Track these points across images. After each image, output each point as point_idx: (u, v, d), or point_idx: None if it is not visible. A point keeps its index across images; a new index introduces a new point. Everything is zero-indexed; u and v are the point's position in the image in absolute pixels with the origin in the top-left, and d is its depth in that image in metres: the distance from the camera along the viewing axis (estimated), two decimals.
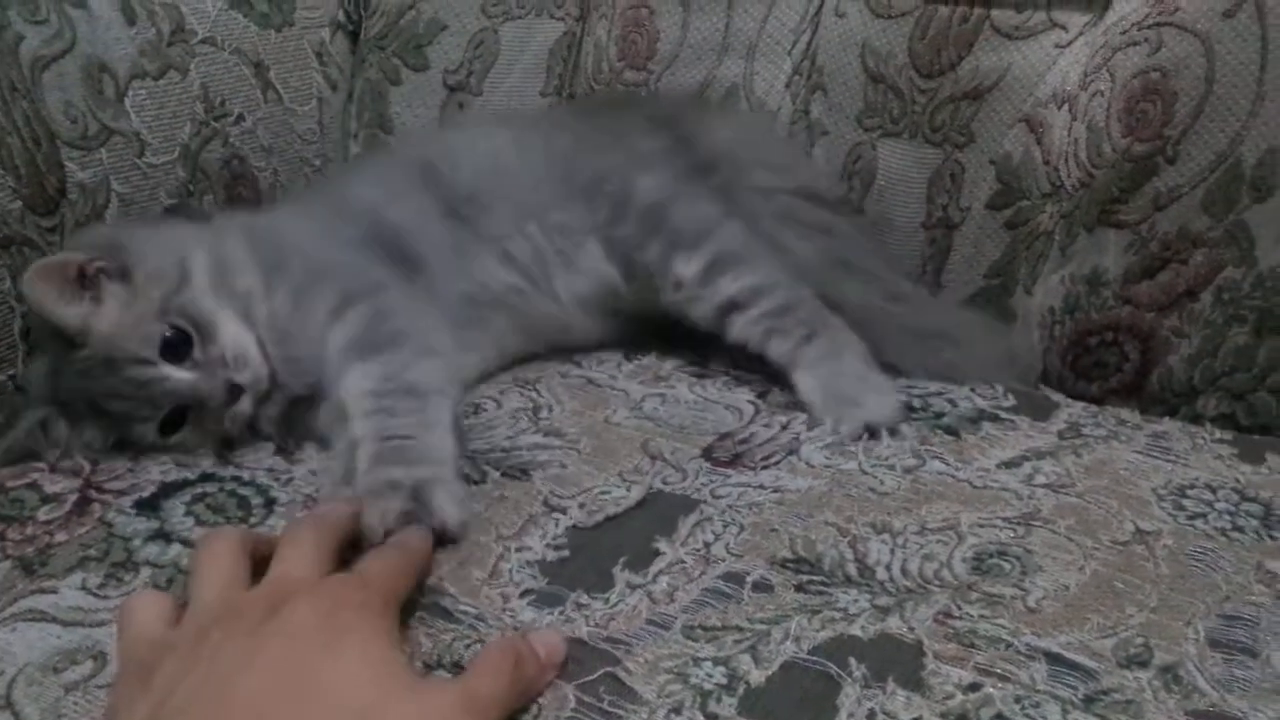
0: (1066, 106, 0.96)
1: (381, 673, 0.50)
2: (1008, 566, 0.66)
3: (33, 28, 0.87)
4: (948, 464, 0.78)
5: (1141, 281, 0.93)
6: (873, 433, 0.81)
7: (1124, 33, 0.93)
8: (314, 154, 1.13)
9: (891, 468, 0.77)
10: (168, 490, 0.71)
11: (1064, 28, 0.97)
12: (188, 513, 0.69)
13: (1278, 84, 0.90)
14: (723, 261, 0.91)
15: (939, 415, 0.86)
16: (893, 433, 0.82)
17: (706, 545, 0.66)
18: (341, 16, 1.17)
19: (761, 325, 0.89)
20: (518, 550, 0.65)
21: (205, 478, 0.73)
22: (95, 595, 0.62)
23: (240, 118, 1.03)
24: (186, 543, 0.66)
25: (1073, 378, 0.97)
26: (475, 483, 0.72)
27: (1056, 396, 0.93)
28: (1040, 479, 0.77)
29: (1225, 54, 0.91)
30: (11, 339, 0.85)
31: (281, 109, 1.08)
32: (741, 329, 0.90)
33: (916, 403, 0.88)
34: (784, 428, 0.83)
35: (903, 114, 1.02)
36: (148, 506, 0.69)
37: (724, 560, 0.65)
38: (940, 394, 0.91)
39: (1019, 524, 0.70)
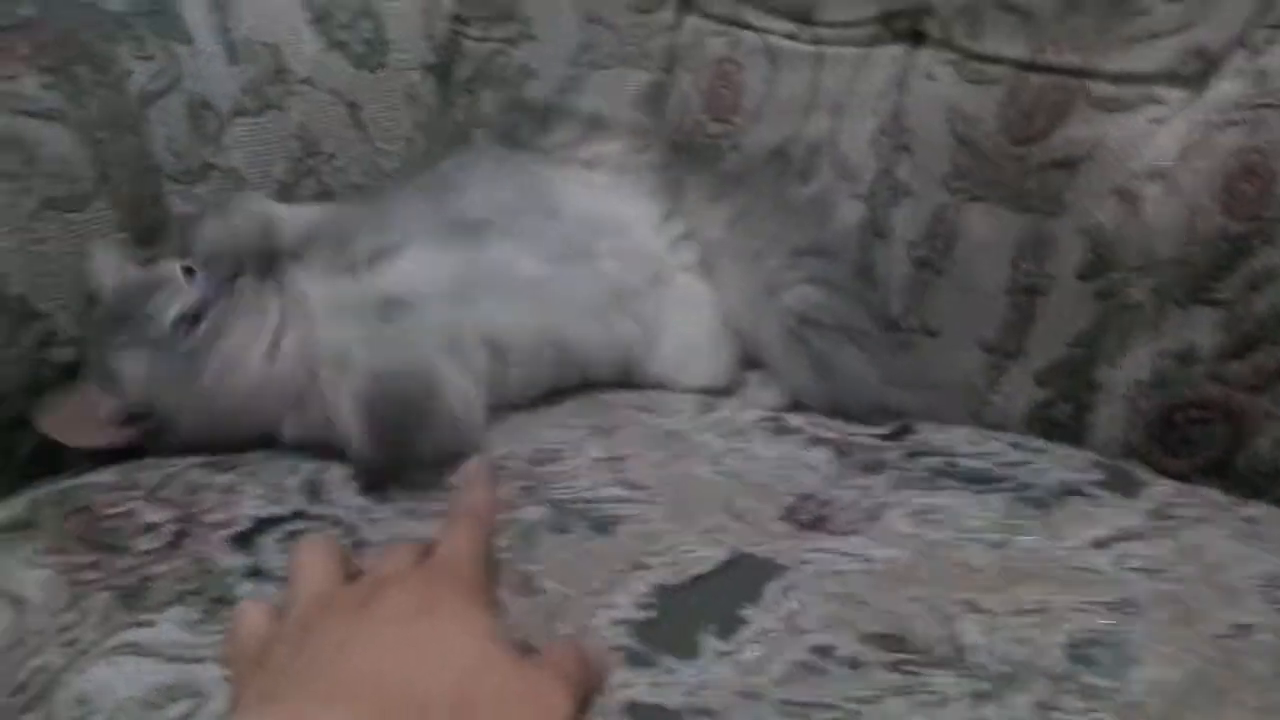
0: (1163, 181, 0.93)
1: (480, 634, 0.52)
2: (1106, 656, 0.63)
3: (140, 63, 0.87)
4: (1039, 539, 0.75)
5: (1233, 360, 0.90)
6: None
7: (1223, 111, 0.91)
8: None
9: (981, 542, 0.74)
10: (262, 526, 0.70)
11: (1162, 103, 0.94)
12: (281, 550, 0.67)
13: None
14: None
15: (1024, 486, 0.83)
16: None
17: (793, 614, 0.64)
18: (433, 59, 1.16)
19: None
20: (607, 607, 0.63)
21: (296, 515, 0.72)
22: (193, 631, 0.61)
23: (332, 156, 1.02)
24: (281, 580, 0.64)
25: (1159, 452, 0.94)
26: (562, 532, 0.70)
27: (1143, 473, 0.90)
28: (1133, 561, 0.74)
29: None
30: None
31: (371, 148, 1.07)
32: None
33: (999, 471, 0.86)
34: (866, 492, 0.81)
35: (991, 179, 1.00)
36: (242, 542, 0.68)
37: (812, 631, 0.62)
38: (1024, 464, 0.88)
39: (1115, 610, 0.67)
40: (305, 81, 1.00)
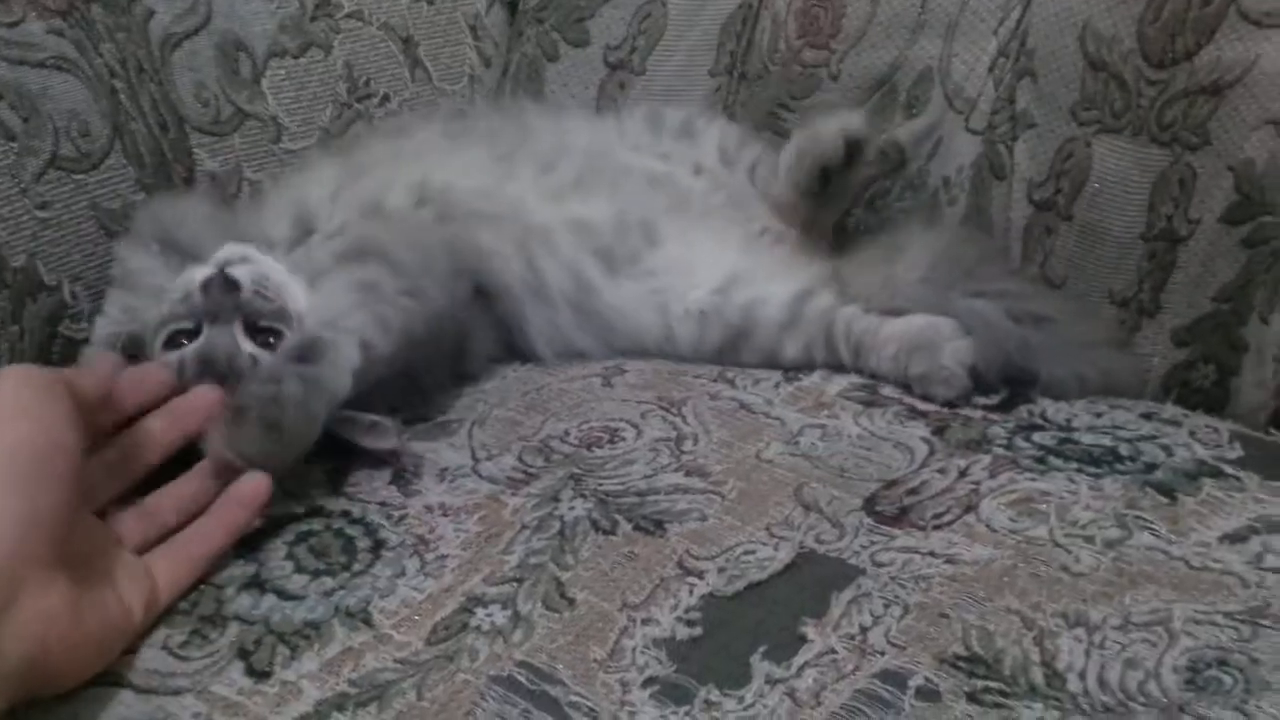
0: None
1: None
2: (1229, 680, 0.57)
3: (164, 2, 0.84)
4: (1159, 535, 0.69)
5: None
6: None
7: None
8: None
9: (1090, 539, 0.68)
10: (271, 526, 0.67)
11: None
12: (288, 555, 0.65)
13: None
14: None
15: (1150, 467, 0.77)
16: None
17: (863, 630, 0.59)
18: None
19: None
20: (644, 623, 0.59)
21: (314, 512, 0.69)
22: (175, 656, 0.59)
23: (386, 98, 0.99)
24: (281, 593, 0.62)
25: None
26: (605, 533, 0.66)
27: None
28: (1271, 560, 0.67)
29: None
30: None
31: (430, 88, 1.03)
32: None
33: (1124, 449, 0.79)
34: (962, 474, 0.75)
35: (1126, 108, 0.92)
36: (246, 546, 0.65)
37: (883, 653, 0.57)
38: (1152, 438, 0.81)
39: (1244, 621, 0.61)
40: (353, 16, 0.96)
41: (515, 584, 0.61)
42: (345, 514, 0.69)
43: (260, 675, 0.56)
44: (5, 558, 0.51)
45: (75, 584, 0.55)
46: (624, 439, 0.77)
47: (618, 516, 0.68)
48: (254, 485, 0.64)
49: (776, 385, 0.88)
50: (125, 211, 0.82)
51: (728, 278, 0.93)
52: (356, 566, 0.64)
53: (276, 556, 0.65)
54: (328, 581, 0.63)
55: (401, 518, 0.68)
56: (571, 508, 0.68)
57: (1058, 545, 0.67)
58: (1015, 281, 0.96)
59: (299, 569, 0.64)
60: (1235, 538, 0.69)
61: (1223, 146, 0.89)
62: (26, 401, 0.55)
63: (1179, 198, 0.91)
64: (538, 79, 1.13)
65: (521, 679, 0.55)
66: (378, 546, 0.66)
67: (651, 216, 0.93)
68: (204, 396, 0.69)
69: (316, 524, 0.68)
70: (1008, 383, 0.88)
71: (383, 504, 0.70)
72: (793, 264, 0.95)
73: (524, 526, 0.67)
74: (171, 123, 0.84)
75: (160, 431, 0.67)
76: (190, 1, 0.86)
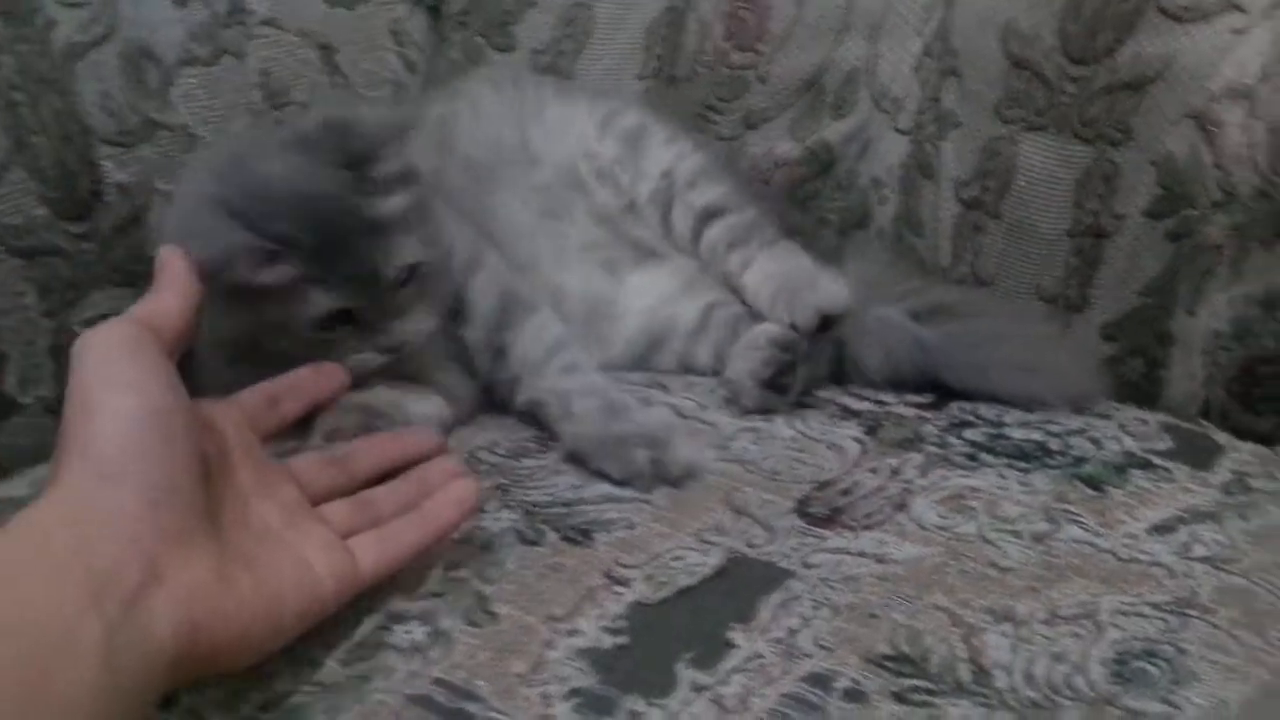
0: (1244, 102, 0.86)
1: None
2: (1155, 672, 0.57)
3: (67, 11, 0.82)
4: (1087, 528, 0.70)
5: None
6: (826, 324, 0.84)
7: None
8: None
9: (1019, 534, 0.69)
10: None
11: (1242, 9, 0.87)
12: None
13: None
14: (706, 174, 0.95)
15: (1079, 460, 0.78)
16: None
17: (791, 633, 0.59)
18: None
19: (727, 236, 0.92)
20: (568, 634, 0.58)
21: None
22: None
23: (304, 106, 0.97)
24: None
25: (1239, 410, 0.88)
26: (530, 544, 0.66)
27: (1221, 436, 0.84)
28: (1199, 550, 0.68)
29: None
30: (38, 359, 0.82)
31: (351, 96, 1.02)
32: (712, 237, 0.93)
33: (1054, 444, 0.80)
34: (894, 474, 0.76)
35: (1049, 105, 0.94)
36: None
37: (810, 656, 0.57)
38: (1081, 431, 0.82)
39: (1171, 612, 0.62)
40: (268, 23, 0.95)
41: (437, 599, 0.61)
42: None
43: (164, 705, 0.54)
44: (137, 539, 0.49)
45: (225, 552, 0.53)
46: (554, 448, 0.77)
47: (544, 527, 0.67)
48: (468, 487, 0.63)
49: (711, 390, 0.88)
50: (28, 227, 0.81)
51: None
52: None
53: None
54: None
55: None
56: (498, 519, 0.68)
57: (986, 541, 0.68)
58: (922, 280, 0.97)
59: None
60: (1163, 529, 0.70)
61: (1145, 141, 0.90)
62: (119, 372, 0.53)
63: (1104, 194, 0.93)
64: None
65: (439, 697, 0.54)
66: None
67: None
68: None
69: None
70: (930, 382, 0.89)
71: None
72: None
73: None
74: (75, 134, 0.82)
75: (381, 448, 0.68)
76: (94, 11, 0.84)
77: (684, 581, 0.63)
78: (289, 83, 0.97)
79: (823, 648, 0.58)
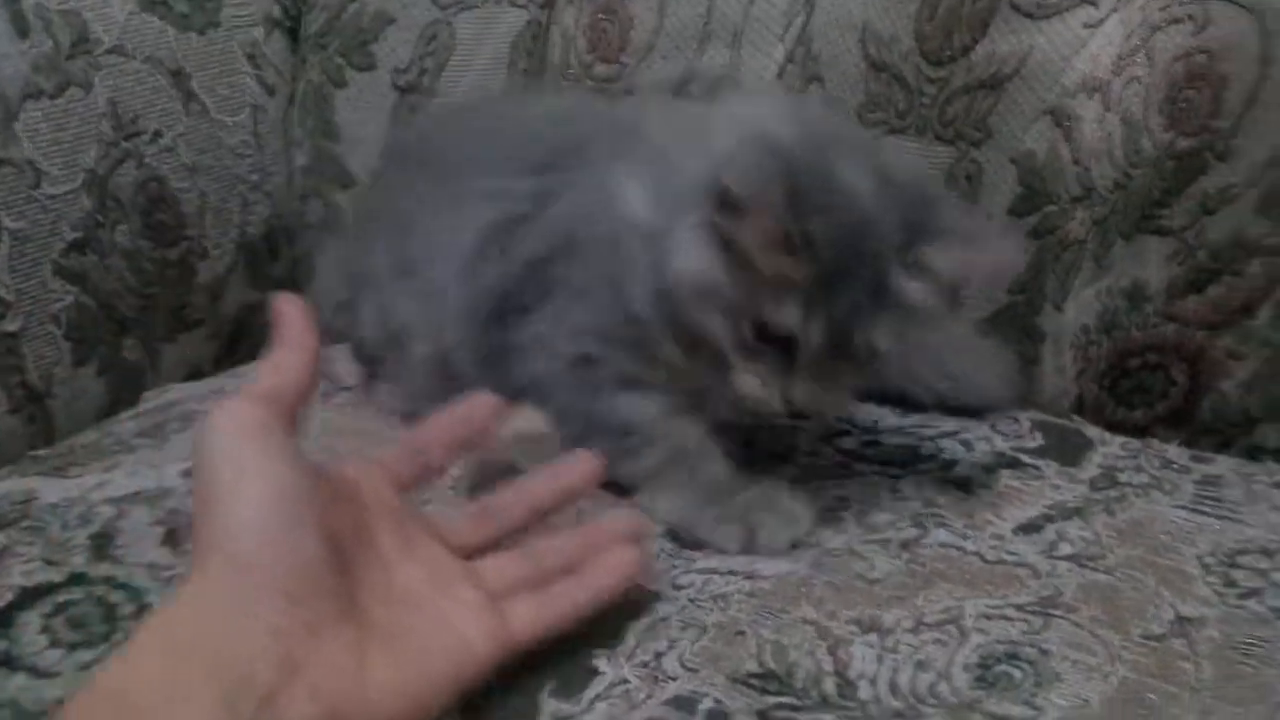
0: (1098, 96, 0.88)
1: None
2: (1018, 674, 0.58)
3: None
4: (954, 532, 0.71)
5: (1189, 296, 0.86)
6: None
7: (1164, 8, 0.86)
8: (249, 169, 1.07)
9: (886, 542, 0.70)
10: (26, 598, 0.64)
11: (1093, 3, 0.89)
12: (43, 629, 0.62)
13: None
14: None
15: (949, 465, 0.79)
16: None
17: (658, 656, 0.59)
18: (278, 12, 1.10)
19: None
20: None
21: (74, 579, 0.65)
22: None
23: (157, 135, 0.96)
24: (33, 671, 0.59)
25: (1111, 404, 0.90)
26: None
27: (1092, 431, 0.86)
28: (1065, 548, 0.70)
29: None
30: None
31: (208, 121, 1.01)
32: None
33: (926, 449, 0.82)
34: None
35: (909, 107, 0.95)
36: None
37: (676, 678, 0.58)
38: (954, 434, 0.84)
39: (1035, 612, 0.63)
40: (114, 51, 0.94)
41: None
42: (109, 579, 0.66)
43: None
44: (272, 633, 0.48)
45: (366, 630, 0.52)
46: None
47: None
48: (630, 555, 0.61)
49: None
50: None
51: None
52: (118, 636, 0.61)
53: (30, 631, 0.61)
54: (85, 655, 0.60)
55: (170, 578, 0.66)
56: None
57: (854, 552, 0.69)
58: None
59: (54, 643, 0.61)
60: (1030, 528, 0.72)
61: (1004, 140, 0.92)
62: (245, 459, 0.51)
63: (967, 193, 0.94)
64: (326, 106, 1.12)
65: None
66: (142, 611, 0.63)
67: None
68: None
69: (77, 593, 0.64)
70: None
71: (151, 565, 0.67)
72: None
73: None
74: None
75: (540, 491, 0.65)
76: None
77: None
78: (139, 111, 0.96)
79: (689, 669, 0.58)
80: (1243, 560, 0.69)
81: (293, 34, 1.11)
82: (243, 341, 1.06)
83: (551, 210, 0.77)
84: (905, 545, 0.69)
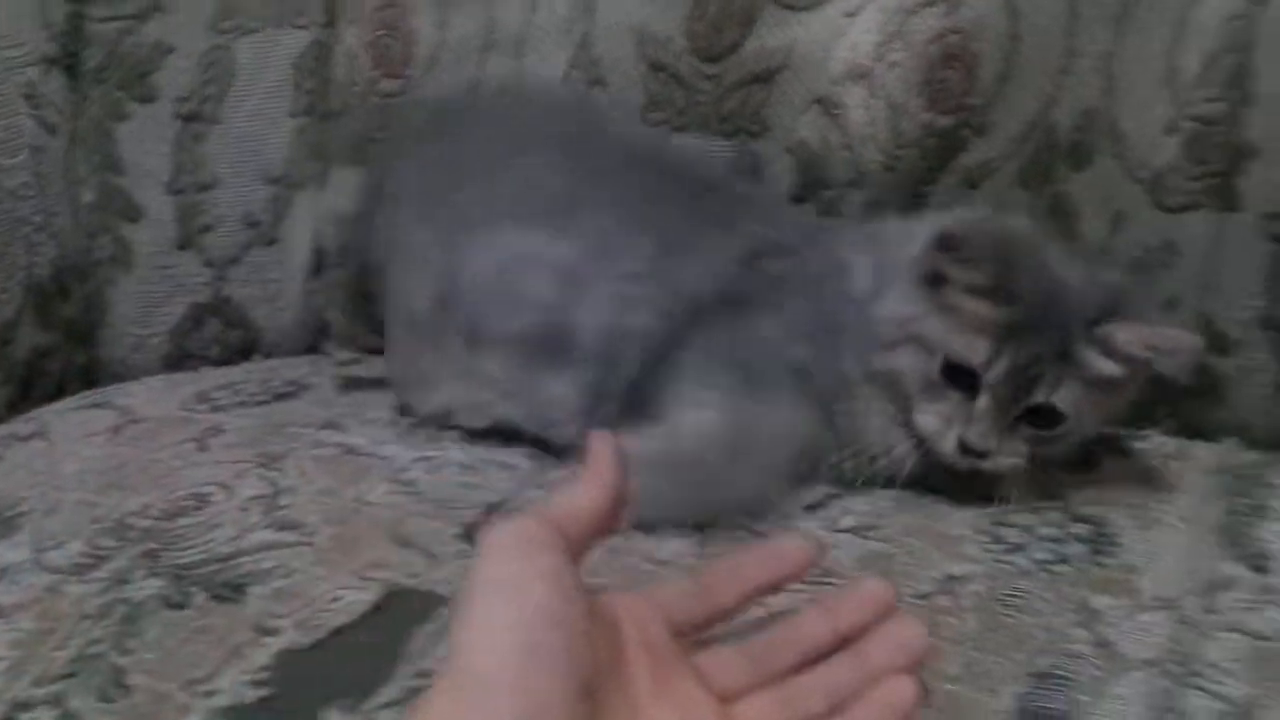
0: (864, 82, 0.91)
1: None
2: None
3: None
4: None
5: None
6: None
7: None
8: (32, 210, 1.04)
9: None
10: None
11: None
12: None
13: (1090, 37, 0.87)
14: None
15: None
16: None
17: (443, 661, 0.60)
18: (54, 50, 1.07)
19: None
20: (207, 696, 0.58)
21: None
22: None
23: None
24: None
25: None
26: (176, 608, 0.65)
27: None
28: (848, 520, 0.72)
29: (1030, 9, 0.88)
30: None
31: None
32: None
33: None
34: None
35: (688, 105, 0.98)
36: None
37: None
38: None
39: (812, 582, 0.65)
40: None
41: (68, 680, 0.59)
42: None
43: None
44: None
45: None
46: (213, 503, 0.76)
47: (193, 589, 0.66)
48: (909, 691, 0.53)
49: (391, 423, 0.88)
50: None
51: None
52: None
53: None
54: None
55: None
56: (141, 588, 0.66)
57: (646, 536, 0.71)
58: None
59: None
60: (817, 506, 0.75)
61: (780, 131, 0.95)
62: (507, 574, 0.49)
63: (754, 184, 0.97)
64: (110, 141, 1.10)
65: None
66: None
67: None
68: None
69: None
70: None
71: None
72: None
73: (85, 616, 0.64)
74: None
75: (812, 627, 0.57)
76: None
77: (338, 621, 0.63)
78: None
79: None
80: (1013, 518, 0.72)
81: (71, 71, 1.08)
82: (36, 384, 1.03)
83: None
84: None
